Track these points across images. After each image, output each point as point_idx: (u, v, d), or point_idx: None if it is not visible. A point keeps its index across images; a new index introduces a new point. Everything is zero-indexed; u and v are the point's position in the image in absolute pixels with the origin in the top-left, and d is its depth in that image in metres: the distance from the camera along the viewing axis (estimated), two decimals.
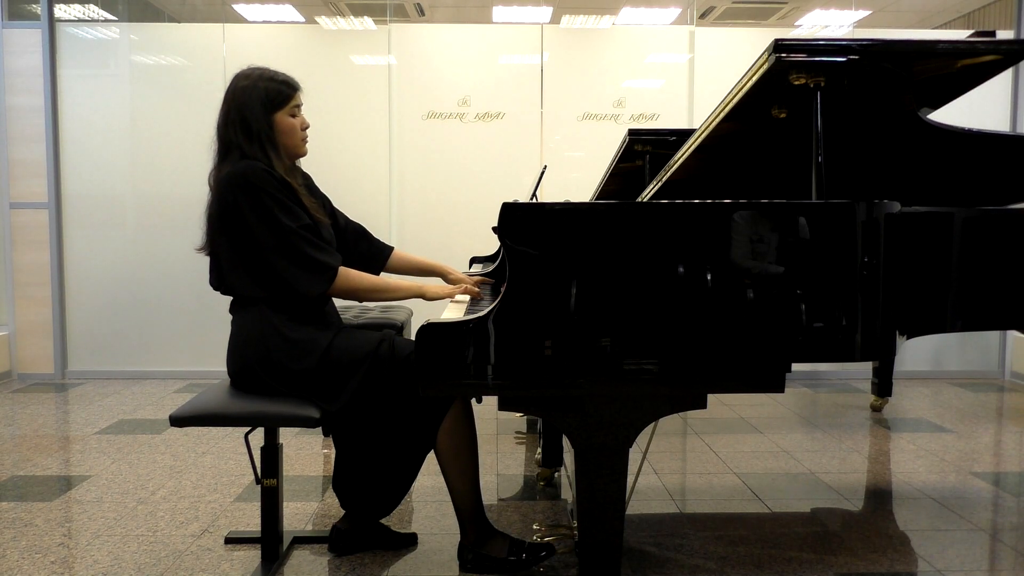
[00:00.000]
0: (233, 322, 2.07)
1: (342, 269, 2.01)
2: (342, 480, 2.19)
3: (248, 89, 2.01)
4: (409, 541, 2.29)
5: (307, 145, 2.11)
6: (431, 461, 2.14)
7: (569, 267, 1.68)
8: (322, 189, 2.25)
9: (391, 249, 2.35)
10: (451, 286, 2.26)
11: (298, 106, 2.07)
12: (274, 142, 2.02)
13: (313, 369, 1.95)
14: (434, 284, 2.19)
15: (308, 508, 2.61)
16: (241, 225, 1.95)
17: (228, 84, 2.07)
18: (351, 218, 2.31)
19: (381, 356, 1.98)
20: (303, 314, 2.02)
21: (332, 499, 2.67)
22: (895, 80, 1.97)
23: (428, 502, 2.62)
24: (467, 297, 2.24)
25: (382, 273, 2.30)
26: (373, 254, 2.31)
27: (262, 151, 1.99)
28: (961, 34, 2.16)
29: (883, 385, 3.88)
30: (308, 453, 3.23)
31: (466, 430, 2.05)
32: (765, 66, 1.87)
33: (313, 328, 2.01)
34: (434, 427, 2.02)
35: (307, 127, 2.11)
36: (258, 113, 1.99)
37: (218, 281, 2.06)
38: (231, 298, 2.08)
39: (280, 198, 1.95)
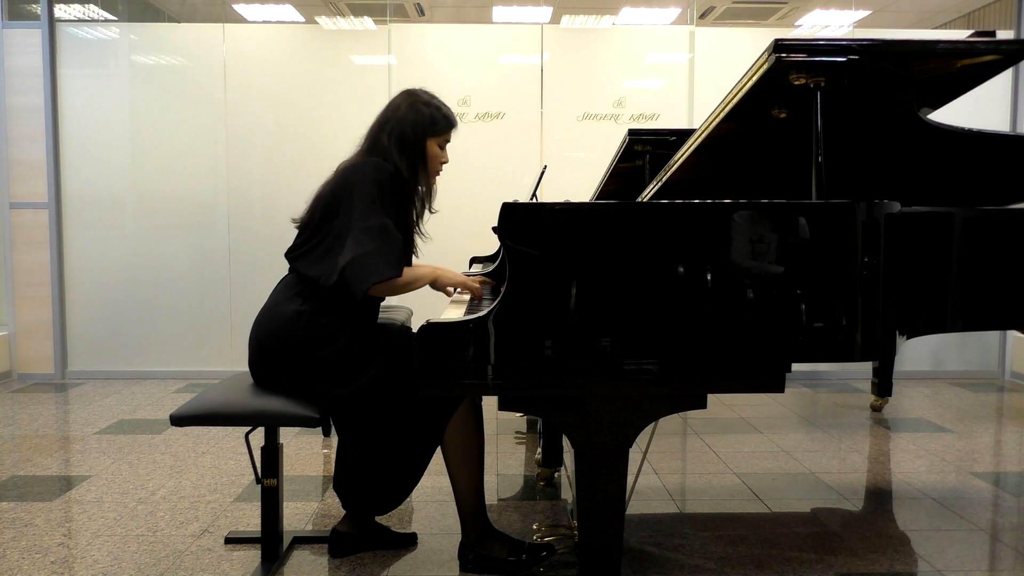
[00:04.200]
0: (271, 295, 2.11)
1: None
2: (344, 474, 2.18)
3: (414, 107, 2.12)
4: (409, 541, 2.29)
5: (436, 178, 2.20)
6: (432, 461, 2.14)
7: (569, 267, 1.68)
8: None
9: None
10: (458, 275, 2.22)
11: (448, 141, 2.19)
12: (425, 161, 2.13)
13: (333, 355, 1.98)
14: (446, 272, 2.18)
15: (308, 508, 2.61)
16: (345, 208, 2.00)
17: (396, 95, 2.18)
18: None
19: (399, 347, 2.01)
20: (336, 304, 2.02)
21: (332, 499, 2.67)
22: (895, 80, 1.97)
23: (428, 502, 2.62)
24: (467, 297, 2.24)
25: None
26: None
27: (410, 165, 2.10)
28: (961, 34, 2.16)
29: (883, 385, 3.88)
30: (308, 453, 3.23)
31: (474, 429, 2.07)
32: (765, 66, 1.87)
33: (340, 317, 2.02)
34: (443, 423, 2.03)
35: (446, 162, 2.20)
36: (417, 131, 2.11)
37: (293, 251, 2.11)
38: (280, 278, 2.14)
39: (388, 198, 2.01)
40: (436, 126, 2.13)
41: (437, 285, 2.13)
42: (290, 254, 2.13)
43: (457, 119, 2.21)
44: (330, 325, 2.00)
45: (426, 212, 2.22)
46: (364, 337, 2.02)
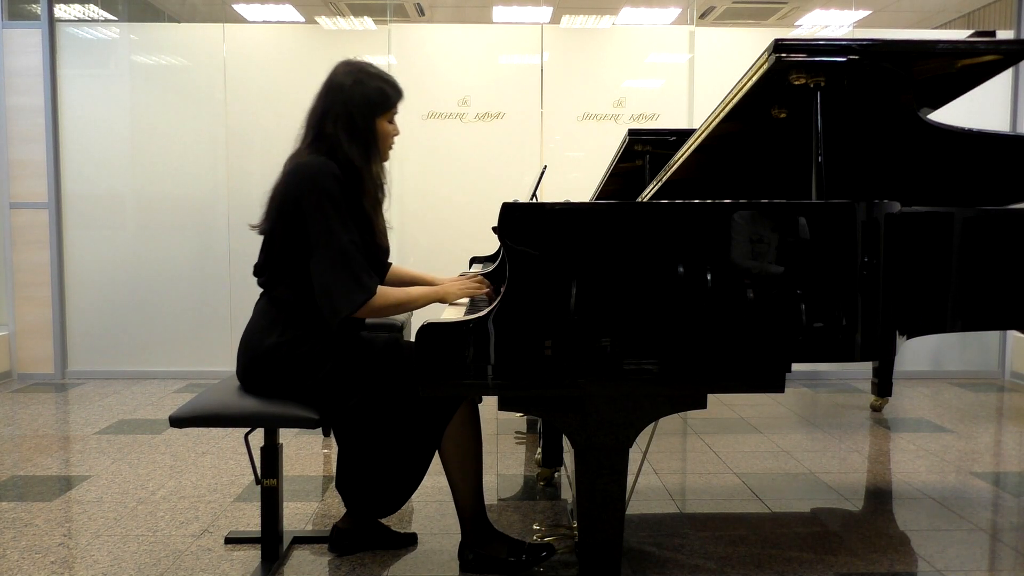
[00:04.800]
0: (252, 317, 2.05)
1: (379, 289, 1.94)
2: (346, 478, 2.18)
3: (356, 85, 1.96)
4: (409, 541, 2.29)
5: (389, 152, 2.07)
6: (433, 461, 2.14)
7: (569, 267, 1.68)
8: None
9: (390, 264, 2.30)
10: (465, 282, 2.20)
11: (396, 113, 2.04)
12: (377, 146, 1.99)
13: (320, 381, 1.95)
14: (450, 284, 2.15)
15: (308, 508, 2.61)
16: (297, 218, 1.92)
17: (332, 72, 2.00)
18: None
19: (390, 358, 1.99)
20: (315, 329, 1.98)
21: (332, 499, 2.67)
22: (895, 80, 1.97)
23: (428, 502, 2.62)
24: (467, 299, 2.24)
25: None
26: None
27: (363, 152, 1.96)
28: (961, 34, 2.16)
29: (883, 385, 3.88)
30: (308, 453, 3.23)
31: (472, 431, 2.06)
32: (765, 66, 1.87)
33: (323, 342, 1.97)
34: (441, 426, 2.02)
35: (397, 135, 2.07)
36: (366, 113, 1.95)
37: (261, 270, 2.03)
38: (260, 290, 2.06)
39: (342, 207, 1.89)
40: (387, 102, 1.97)
41: (447, 303, 2.10)
42: (258, 275, 2.04)
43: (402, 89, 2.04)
44: (313, 352, 1.95)
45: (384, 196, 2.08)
46: (350, 359, 1.97)
